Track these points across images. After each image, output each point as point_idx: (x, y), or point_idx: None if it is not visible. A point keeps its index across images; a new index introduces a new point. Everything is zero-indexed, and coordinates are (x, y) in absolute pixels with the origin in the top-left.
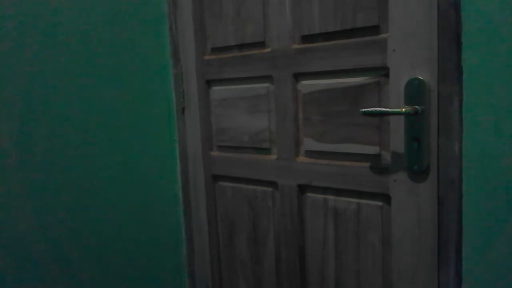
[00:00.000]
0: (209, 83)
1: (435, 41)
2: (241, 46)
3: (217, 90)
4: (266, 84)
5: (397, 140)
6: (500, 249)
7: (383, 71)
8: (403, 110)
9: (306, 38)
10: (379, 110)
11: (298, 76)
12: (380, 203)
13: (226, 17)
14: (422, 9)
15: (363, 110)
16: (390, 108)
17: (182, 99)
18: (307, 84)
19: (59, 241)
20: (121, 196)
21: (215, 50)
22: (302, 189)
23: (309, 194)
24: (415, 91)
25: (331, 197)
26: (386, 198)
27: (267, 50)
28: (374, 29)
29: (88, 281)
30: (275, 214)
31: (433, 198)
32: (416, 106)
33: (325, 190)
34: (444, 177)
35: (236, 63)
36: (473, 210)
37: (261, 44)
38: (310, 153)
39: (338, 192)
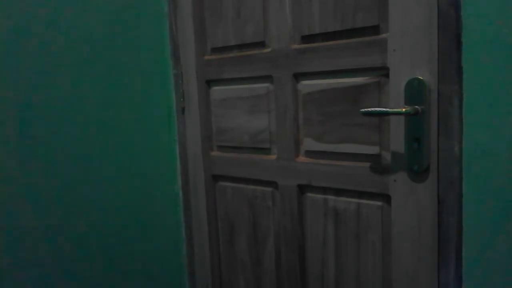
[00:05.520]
0: (209, 83)
1: (435, 41)
2: (241, 46)
3: (217, 90)
4: (266, 84)
5: (397, 140)
6: (500, 249)
7: (383, 71)
8: (403, 110)
9: (306, 38)
10: (379, 110)
11: (298, 76)
12: (380, 203)
13: (226, 17)
14: (422, 9)
15: (363, 110)
16: (390, 108)
17: (182, 99)
18: (307, 84)
19: (59, 241)
20: (121, 196)
21: (215, 50)
22: (302, 189)
23: (309, 194)
24: (415, 91)
25: (331, 197)
26: (386, 198)
27: (267, 50)
28: (374, 29)
29: (88, 281)
30: (275, 214)
31: (433, 198)
32: (416, 106)
33: (325, 190)
34: (444, 177)
35: (236, 63)
36: (473, 210)
37: (261, 44)
38: (310, 153)
39: (338, 192)
